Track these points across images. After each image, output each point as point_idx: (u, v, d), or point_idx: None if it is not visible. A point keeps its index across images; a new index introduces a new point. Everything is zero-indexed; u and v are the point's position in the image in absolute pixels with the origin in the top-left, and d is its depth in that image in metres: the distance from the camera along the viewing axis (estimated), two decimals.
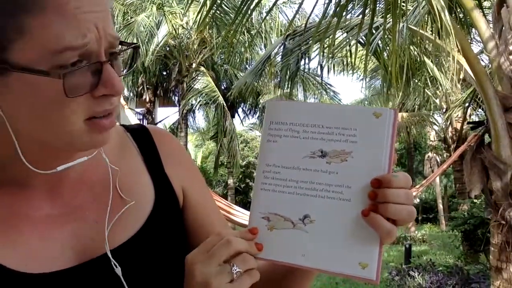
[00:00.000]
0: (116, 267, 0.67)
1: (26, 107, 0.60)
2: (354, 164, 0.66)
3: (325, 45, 4.79)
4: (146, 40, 12.67)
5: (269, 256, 0.67)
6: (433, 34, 4.04)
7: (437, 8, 3.28)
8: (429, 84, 7.88)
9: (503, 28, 3.74)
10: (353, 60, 5.75)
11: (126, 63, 0.85)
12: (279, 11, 13.65)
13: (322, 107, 0.71)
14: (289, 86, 6.29)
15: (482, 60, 6.45)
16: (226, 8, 10.08)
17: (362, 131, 0.66)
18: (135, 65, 0.70)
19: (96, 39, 0.59)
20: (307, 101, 15.32)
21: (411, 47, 5.08)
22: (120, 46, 0.65)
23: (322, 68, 6.00)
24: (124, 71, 0.67)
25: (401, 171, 0.68)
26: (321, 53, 5.03)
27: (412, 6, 5.06)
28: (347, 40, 5.33)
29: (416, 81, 6.97)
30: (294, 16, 5.78)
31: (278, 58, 6.23)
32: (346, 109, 0.70)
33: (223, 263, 0.63)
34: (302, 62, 5.94)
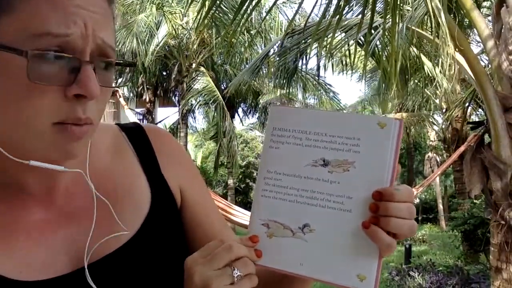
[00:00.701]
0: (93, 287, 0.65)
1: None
2: (356, 175, 0.65)
3: (324, 45, 4.79)
4: (146, 40, 12.66)
5: (268, 263, 0.67)
6: (432, 34, 4.03)
7: (432, 8, 3.28)
8: (428, 84, 7.87)
9: (503, 28, 3.74)
10: (352, 60, 5.75)
11: (120, 74, 0.83)
12: (279, 11, 13.65)
13: (326, 115, 0.70)
14: (287, 85, 6.28)
15: (482, 60, 6.45)
16: (225, 9, 10.07)
17: (365, 141, 0.65)
18: (127, 83, 0.68)
19: (82, 36, 0.58)
20: (307, 101, 15.31)
21: (410, 48, 5.07)
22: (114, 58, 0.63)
23: (319, 67, 6.01)
24: (113, 85, 0.65)
25: (403, 184, 0.67)
26: (320, 53, 5.03)
27: (411, 6, 5.06)
28: (346, 40, 5.33)
29: (416, 81, 6.98)
30: (294, 16, 5.77)
31: (277, 57, 6.23)
32: (350, 117, 0.69)
33: (223, 267, 0.63)
34: (300, 62, 5.95)
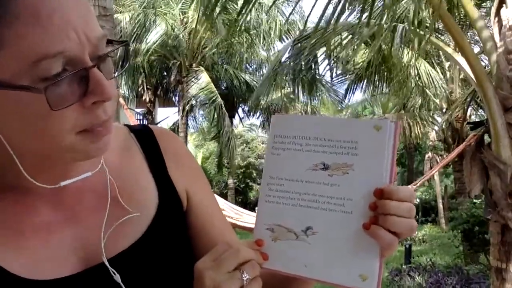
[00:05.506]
0: (115, 274, 0.66)
1: (15, 122, 0.59)
2: (355, 177, 0.67)
3: (332, 47, 4.79)
4: (133, 40, 12.66)
5: (273, 266, 0.68)
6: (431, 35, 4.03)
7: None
8: (429, 85, 7.87)
9: (503, 28, 3.74)
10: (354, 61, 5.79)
11: (118, 63, 0.83)
12: (278, 11, 13.65)
13: (325, 120, 0.73)
14: (296, 89, 6.31)
15: (482, 60, 6.44)
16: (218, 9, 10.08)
17: (363, 144, 0.67)
18: (127, 65, 0.67)
19: (77, 45, 0.56)
20: (308, 101, 15.31)
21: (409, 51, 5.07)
22: (109, 44, 0.62)
23: (319, 70, 6.03)
24: (116, 73, 0.64)
25: (404, 186, 0.69)
26: (328, 55, 5.04)
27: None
28: (356, 40, 5.33)
29: (416, 81, 6.97)
30: (289, 16, 5.82)
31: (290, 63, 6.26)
32: (347, 122, 0.72)
33: (232, 270, 0.63)
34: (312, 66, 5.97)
